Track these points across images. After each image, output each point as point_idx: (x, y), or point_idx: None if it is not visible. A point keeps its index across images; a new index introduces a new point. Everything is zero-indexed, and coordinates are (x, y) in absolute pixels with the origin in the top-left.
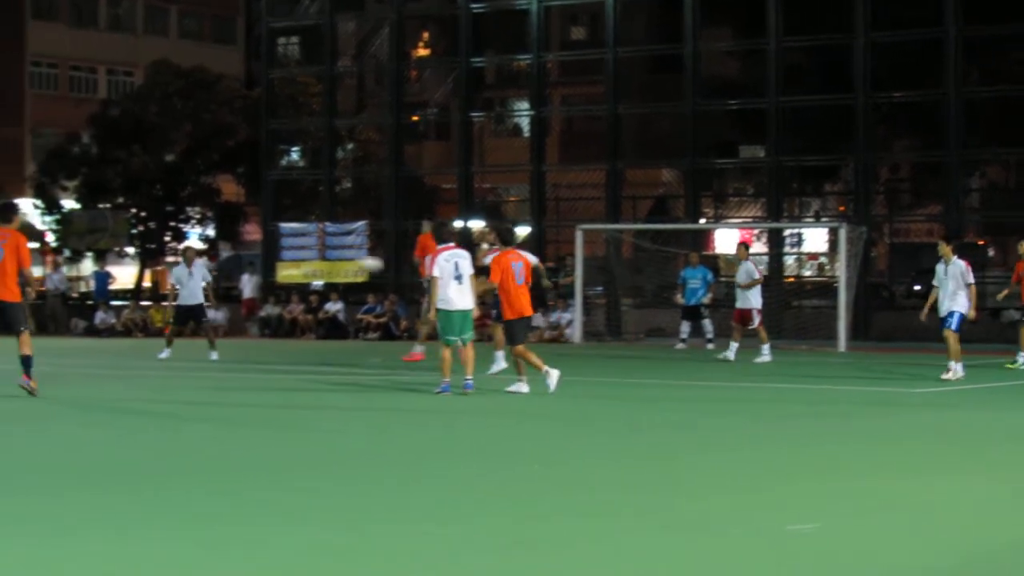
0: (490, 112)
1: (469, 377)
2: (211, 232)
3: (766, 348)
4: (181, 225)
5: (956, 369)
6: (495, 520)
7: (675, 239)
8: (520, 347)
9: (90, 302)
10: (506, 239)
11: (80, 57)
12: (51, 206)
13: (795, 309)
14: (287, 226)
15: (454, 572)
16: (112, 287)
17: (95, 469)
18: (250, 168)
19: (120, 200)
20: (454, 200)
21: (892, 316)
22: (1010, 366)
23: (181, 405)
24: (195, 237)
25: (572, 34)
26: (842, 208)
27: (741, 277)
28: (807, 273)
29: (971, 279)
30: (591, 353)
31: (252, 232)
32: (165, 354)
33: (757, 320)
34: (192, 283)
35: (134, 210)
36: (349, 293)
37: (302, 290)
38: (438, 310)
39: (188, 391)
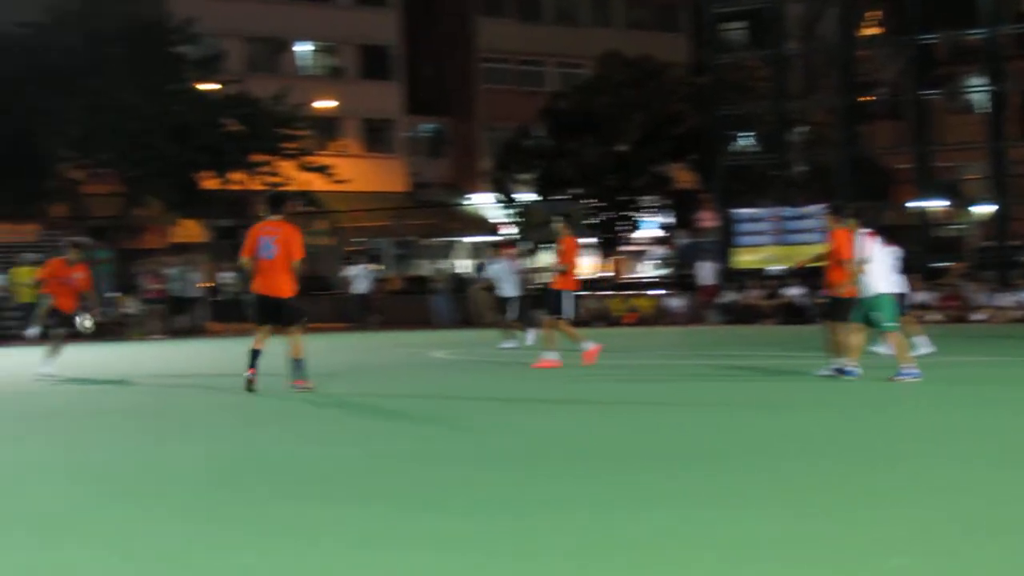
0: (944, 89)
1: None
2: (668, 220)
3: None
4: (636, 214)
5: None
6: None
7: None
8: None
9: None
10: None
11: (529, 51)
12: (506, 199)
13: None
14: (742, 212)
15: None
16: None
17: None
18: (701, 155)
19: (575, 191)
20: (910, 180)
21: None
22: None
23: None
24: (653, 225)
25: None
26: None
27: None
28: None
29: None
30: None
31: (708, 219)
32: (510, 344)
33: None
34: (502, 276)
35: (589, 200)
36: (810, 277)
37: (760, 275)
38: (882, 295)
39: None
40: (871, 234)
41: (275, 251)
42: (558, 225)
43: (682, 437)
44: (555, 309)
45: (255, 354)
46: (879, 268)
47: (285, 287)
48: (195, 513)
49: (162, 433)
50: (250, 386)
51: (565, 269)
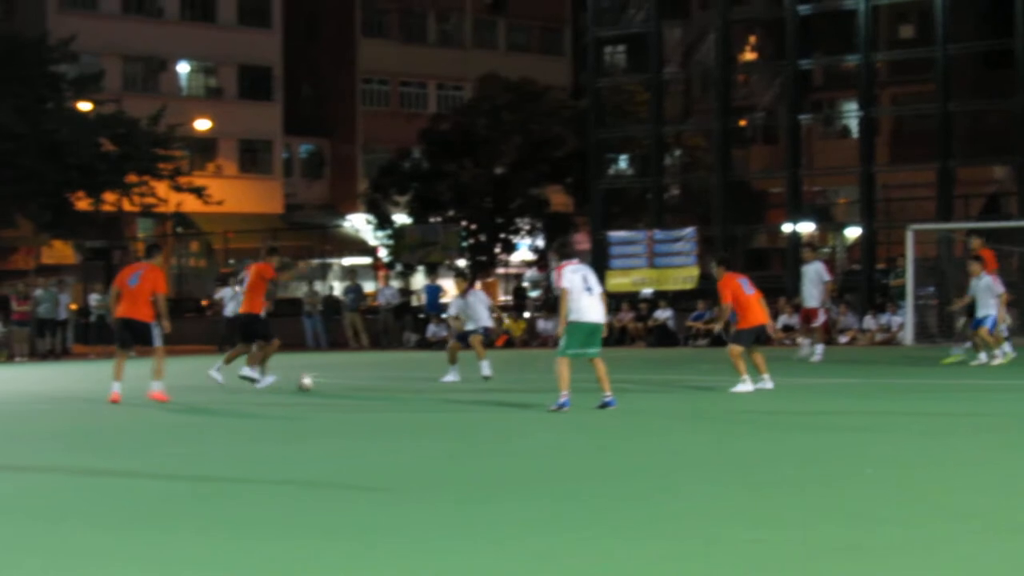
0: (818, 114)
1: (608, 393)
2: (540, 243)
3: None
4: (511, 236)
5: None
6: (829, 526)
7: (1008, 236)
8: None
9: (422, 315)
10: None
11: (410, 73)
12: (383, 221)
13: None
14: (616, 234)
15: None
16: (444, 300)
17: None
18: (579, 178)
19: (450, 213)
20: (782, 204)
21: None
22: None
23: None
24: (524, 248)
25: (900, 32)
26: None
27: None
28: None
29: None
30: (923, 355)
31: (581, 241)
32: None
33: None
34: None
35: (464, 223)
36: (678, 300)
37: (631, 298)
38: (569, 323)
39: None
40: (562, 267)
41: (137, 281)
42: (266, 252)
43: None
44: (252, 335)
45: None
46: (579, 297)
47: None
48: None
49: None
50: None
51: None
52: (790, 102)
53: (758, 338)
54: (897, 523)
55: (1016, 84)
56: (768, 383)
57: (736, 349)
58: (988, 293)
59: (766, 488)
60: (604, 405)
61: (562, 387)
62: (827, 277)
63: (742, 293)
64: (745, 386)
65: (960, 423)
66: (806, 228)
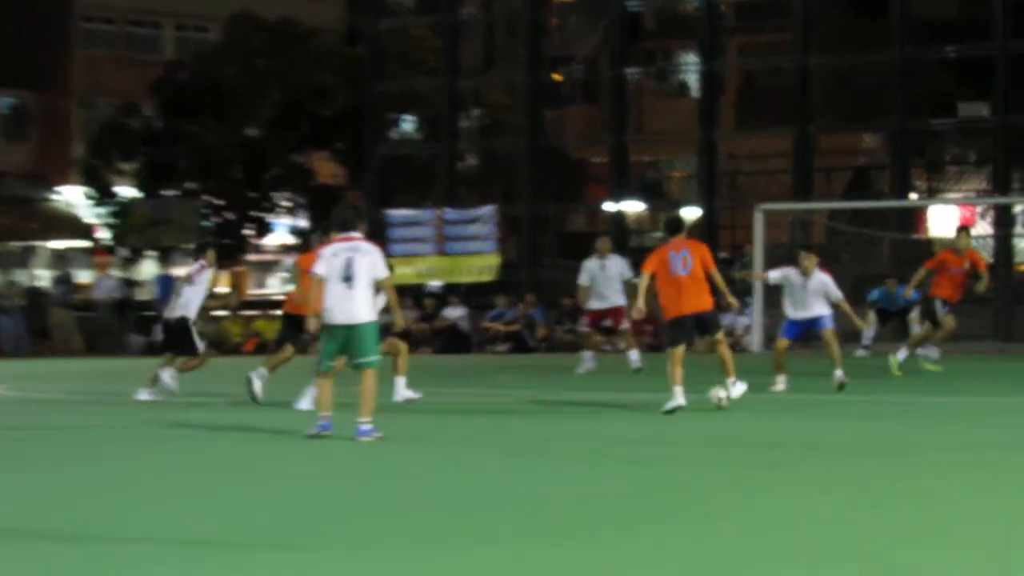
0: (649, 67)
1: (363, 419)
2: (303, 223)
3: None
4: (266, 215)
5: None
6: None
7: (880, 219)
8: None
9: (151, 313)
10: (674, 228)
11: (141, 10)
12: (104, 194)
13: None
14: (397, 213)
15: None
16: None
17: None
18: (352, 143)
19: (190, 185)
20: (604, 178)
21: None
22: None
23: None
24: (283, 229)
25: None
26: None
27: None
28: None
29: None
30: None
31: None
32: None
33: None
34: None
35: (207, 197)
36: (473, 296)
37: (415, 293)
38: (324, 325)
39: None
40: (328, 243)
41: None
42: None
43: None
44: None
45: None
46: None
47: None
48: None
49: None
50: None
51: None
52: (615, 52)
53: (702, 327)
54: (736, 566)
55: (889, 34)
56: (737, 387)
57: (674, 353)
58: (821, 295)
59: (584, 531)
60: (357, 434)
61: (320, 407)
62: (629, 274)
63: (664, 270)
64: (676, 400)
65: (807, 449)
66: (633, 207)
